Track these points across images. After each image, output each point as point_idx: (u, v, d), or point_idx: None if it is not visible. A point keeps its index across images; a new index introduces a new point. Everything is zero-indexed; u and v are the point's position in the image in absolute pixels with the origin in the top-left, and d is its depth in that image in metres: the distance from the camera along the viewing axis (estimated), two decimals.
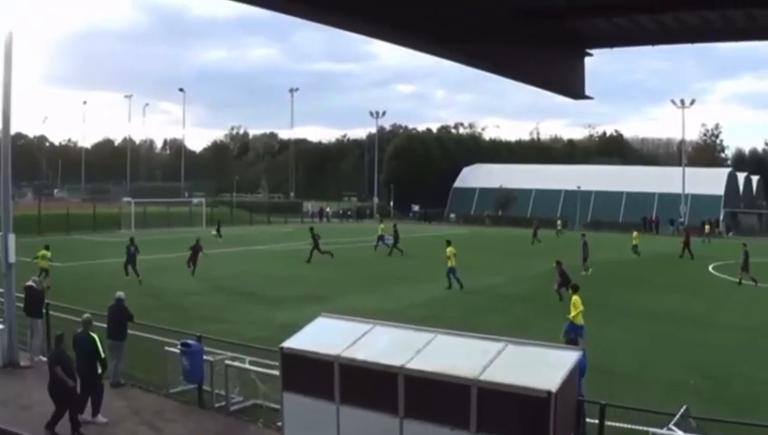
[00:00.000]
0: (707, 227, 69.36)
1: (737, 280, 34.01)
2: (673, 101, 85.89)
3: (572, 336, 17.66)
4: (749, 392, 16.05)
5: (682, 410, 10.02)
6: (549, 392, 8.67)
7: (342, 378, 10.27)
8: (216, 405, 14.92)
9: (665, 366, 18.32)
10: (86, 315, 14.90)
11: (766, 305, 28.38)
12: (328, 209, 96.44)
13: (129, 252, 32.35)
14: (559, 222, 73.36)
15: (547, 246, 53.85)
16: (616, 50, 13.30)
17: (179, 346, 15.32)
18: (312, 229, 43.85)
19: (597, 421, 10.58)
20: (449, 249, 31.29)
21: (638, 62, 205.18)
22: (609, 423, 10.89)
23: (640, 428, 10.56)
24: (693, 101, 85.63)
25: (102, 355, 13.95)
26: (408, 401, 9.61)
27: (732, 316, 26.09)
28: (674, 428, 9.65)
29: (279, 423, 11.64)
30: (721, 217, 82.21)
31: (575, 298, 19.19)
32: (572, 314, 18.99)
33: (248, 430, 13.89)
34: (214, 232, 56.93)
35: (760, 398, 15.61)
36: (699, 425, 10.30)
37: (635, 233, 52.30)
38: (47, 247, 31.77)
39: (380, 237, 49.27)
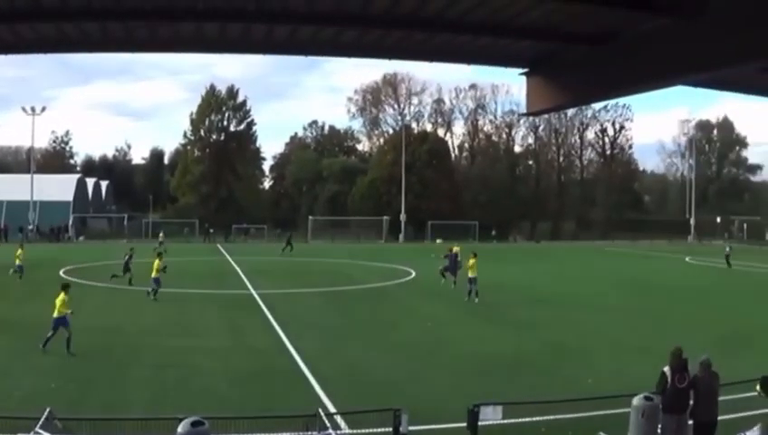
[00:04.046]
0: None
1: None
2: (24, 109, 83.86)
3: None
4: (114, 392, 15.96)
5: (46, 412, 9.97)
6: None
7: None
8: None
9: (26, 373, 17.41)
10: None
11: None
12: None
13: None
14: None
15: None
16: None
17: None
18: None
19: None
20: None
21: None
22: None
23: None
24: (44, 108, 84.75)
25: None
26: None
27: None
28: (40, 431, 9.60)
29: None
30: (70, 222, 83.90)
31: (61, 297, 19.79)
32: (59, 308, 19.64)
33: None
34: None
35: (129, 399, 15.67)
36: (66, 425, 10.43)
37: None
38: None
39: None
